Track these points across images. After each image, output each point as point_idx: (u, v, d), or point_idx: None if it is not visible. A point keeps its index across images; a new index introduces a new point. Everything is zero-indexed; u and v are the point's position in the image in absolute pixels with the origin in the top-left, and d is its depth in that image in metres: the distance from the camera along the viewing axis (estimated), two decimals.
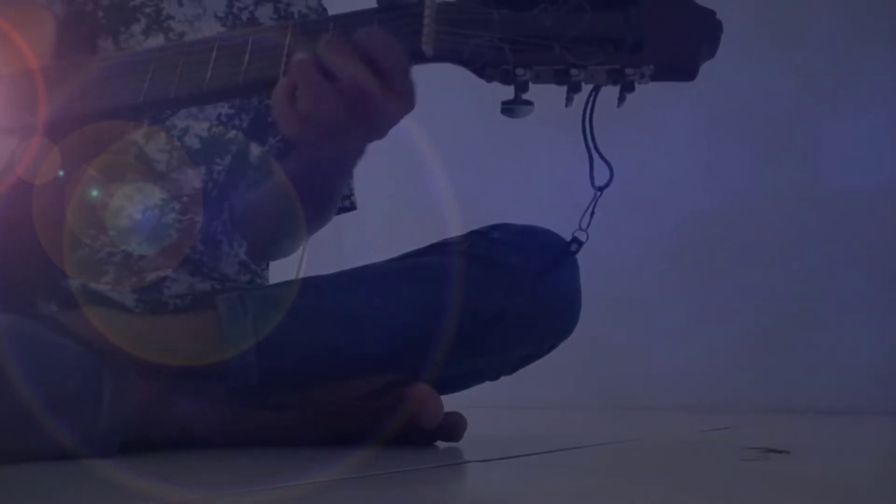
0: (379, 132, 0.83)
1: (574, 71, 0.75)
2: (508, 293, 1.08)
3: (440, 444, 1.05)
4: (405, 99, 0.79)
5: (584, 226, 0.83)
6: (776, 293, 2.15)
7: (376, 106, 0.78)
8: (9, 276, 0.97)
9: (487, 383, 1.16)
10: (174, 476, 0.81)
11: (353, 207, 1.22)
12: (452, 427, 1.04)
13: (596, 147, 0.79)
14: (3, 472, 0.78)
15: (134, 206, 1.06)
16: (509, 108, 0.78)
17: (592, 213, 0.81)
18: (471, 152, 2.39)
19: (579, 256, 1.14)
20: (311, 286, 1.07)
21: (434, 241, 1.16)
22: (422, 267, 1.10)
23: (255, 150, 1.15)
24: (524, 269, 1.09)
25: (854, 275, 2.07)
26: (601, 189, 0.79)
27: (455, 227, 1.21)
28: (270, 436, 1.02)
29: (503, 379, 1.16)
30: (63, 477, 0.79)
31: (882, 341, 2.02)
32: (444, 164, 2.09)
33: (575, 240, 0.85)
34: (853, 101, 2.09)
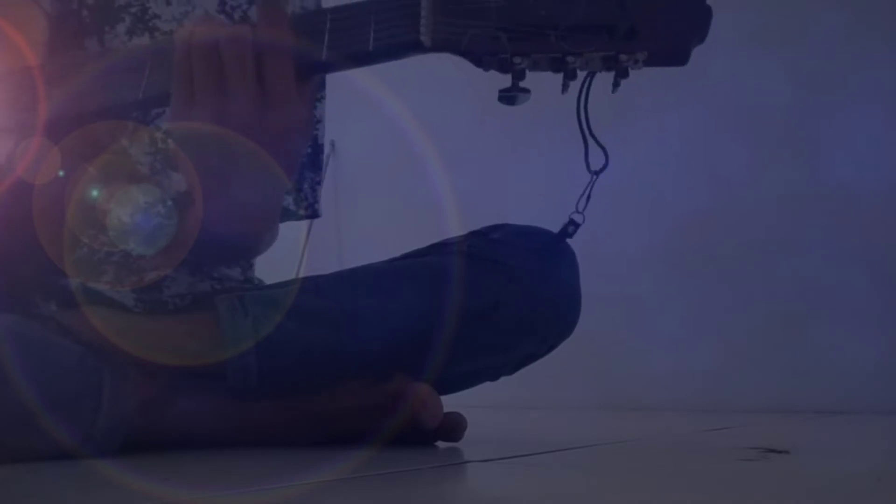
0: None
1: (570, 58, 0.76)
2: (508, 294, 1.08)
3: (440, 444, 1.05)
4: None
5: (580, 208, 0.83)
6: (776, 293, 2.15)
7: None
8: (9, 276, 0.97)
9: (487, 383, 1.16)
10: (174, 476, 0.80)
11: (315, 215, 1.20)
12: (452, 427, 1.04)
13: (591, 132, 0.80)
14: (3, 472, 0.78)
15: (122, 208, 1.06)
16: (507, 96, 0.78)
17: (589, 196, 0.82)
18: (470, 153, 2.39)
19: (579, 256, 1.14)
20: (311, 286, 1.07)
21: (434, 241, 1.16)
22: (422, 267, 1.10)
23: None
24: (524, 269, 1.09)
25: (854, 274, 2.07)
26: (597, 173, 0.80)
27: (454, 227, 1.21)
28: (270, 436, 1.02)
29: (503, 379, 1.16)
30: (63, 477, 0.79)
31: (882, 341, 2.02)
32: (444, 164, 2.09)
33: (571, 222, 0.86)
34: (853, 98, 2.09)
